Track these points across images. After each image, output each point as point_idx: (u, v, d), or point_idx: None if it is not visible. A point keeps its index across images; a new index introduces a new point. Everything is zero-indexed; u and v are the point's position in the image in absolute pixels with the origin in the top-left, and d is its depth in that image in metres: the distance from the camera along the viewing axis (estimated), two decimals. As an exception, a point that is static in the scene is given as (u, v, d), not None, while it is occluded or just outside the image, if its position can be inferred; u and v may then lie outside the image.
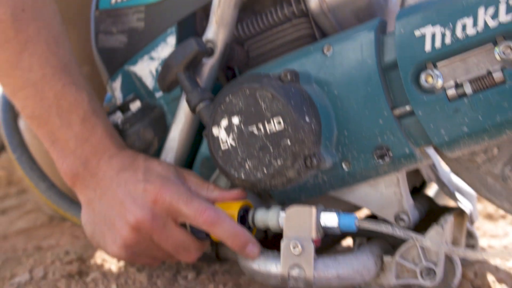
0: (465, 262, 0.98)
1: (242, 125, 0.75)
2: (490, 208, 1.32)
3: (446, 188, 0.88)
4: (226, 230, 0.77)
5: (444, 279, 0.76)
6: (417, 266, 0.75)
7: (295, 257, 0.72)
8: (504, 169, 0.76)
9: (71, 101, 0.83)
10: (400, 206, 0.78)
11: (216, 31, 0.84)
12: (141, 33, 0.93)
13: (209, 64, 0.85)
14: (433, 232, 0.74)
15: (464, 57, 0.68)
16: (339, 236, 0.91)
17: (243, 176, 0.76)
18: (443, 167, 0.96)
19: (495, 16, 0.65)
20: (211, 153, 0.79)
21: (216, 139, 0.78)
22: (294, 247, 0.72)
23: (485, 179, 0.79)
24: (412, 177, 0.94)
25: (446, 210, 0.87)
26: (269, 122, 0.73)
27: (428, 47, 0.69)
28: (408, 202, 0.78)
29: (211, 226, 0.77)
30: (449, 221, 0.78)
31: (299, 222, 0.72)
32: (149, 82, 0.94)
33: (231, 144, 0.76)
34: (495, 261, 1.02)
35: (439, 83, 0.69)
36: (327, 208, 0.74)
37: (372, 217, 0.87)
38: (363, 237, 0.85)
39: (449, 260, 0.76)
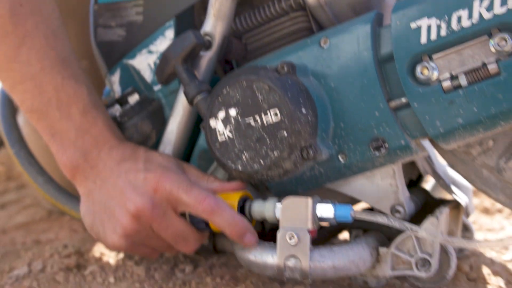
0: (461, 255, 0.99)
1: (239, 116, 0.76)
2: (487, 202, 1.33)
3: (442, 181, 0.89)
4: (226, 219, 0.77)
5: (439, 270, 0.77)
6: (412, 258, 0.76)
7: (291, 247, 0.72)
8: (499, 161, 0.77)
9: (71, 94, 0.83)
10: (396, 198, 0.78)
11: (214, 24, 0.84)
12: (140, 27, 0.94)
13: (207, 57, 0.85)
14: (428, 223, 0.75)
15: (459, 49, 0.68)
16: (335, 229, 0.92)
17: (240, 168, 0.77)
18: (439, 160, 0.97)
19: (490, 8, 0.65)
20: (209, 145, 0.79)
21: (213, 131, 0.78)
22: (290, 238, 0.72)
23: (480, 171, 0.79)
24: (408, 170, 0.95)
25: (442, 202, 0.88)
26: (266, 113, 0.74)
27: (423, 39, 0.69)
28: (404, 194, 0.79)
29: (211, 214, 0.77)
30: (444, 212, 0.79)
31: (295, 213, 0.73)
32: (148, 75, 0.94)
33: (228, 136, 0.77)
34: (490, 254, 1.03)
35: (435, 75, 0.69)
36: (323, 199, 0.74)
37: (369, 210, 0.88)
38: (360, 229, 0.86)
39: (444, 251, 0.77)
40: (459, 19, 0.67)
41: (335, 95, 0.76)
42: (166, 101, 0.93)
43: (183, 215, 0.81)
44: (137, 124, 0.90)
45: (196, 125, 0.91)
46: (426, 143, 0.82)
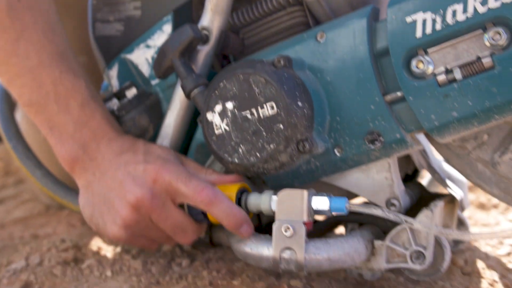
0: (456, 250, 1.00)
1: (235, 110, 0.76)
2: (483, 197, 1.33)
3: (437, 175, 0.90)
4: (223, 210, 0.78)
5: (434, 263, 0.77)
6: (407, 250, 0.77)
7: (286, 239, 0.73)
8: (494, 155, 0.78)
9: (69, 87, 0.84)
10: (391, 191, 0.79)
11: (211, 19, 0.85)
12: (138, 22, 0.94)
13: (204, 51, 0.86)
14: (423, 215, 0.75)
15: (454, 43, 0.69)
16: (331, 223, 0.92)
17: (236, 160, 0.77)
18: (435, 155, 0.97)
19: (484, 2, 0.66)
20: (205, 138, 0.80)
21: (210, 124, 0.79)
22: (285, 230, 0.73)
23: (475, 165, 0.80)
24: (404, 165, 0.95)
25: (437, 196, 0.88)
26: (262, 107, 0.74)
27: (419, 33, 0.70)
28: (399, 187, 0.80)
29: (209, 205, 0.78)
30: (439, 206, 0.79)
31: (291, 205, 0.73)
32: (145, 69, 0.95)
33: (225, 129, 0.77)
34: (485, 249, 1.03)
35: (430, 69, 0.70)
36: (319, 192, 0.75)
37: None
38: (355, 223, 0.86)
39: (438, 244, 0.77)
40: (454, 13, 0.68)
41: (331, 89, 0.77)
42: (163, 95, 0.94)
43: (181, 206, 0.82)
44: (135, 118, 0.91)
45: (193, 119, 0.91)
46: (422, 138, 0.82)
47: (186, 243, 0.85)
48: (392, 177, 0.79)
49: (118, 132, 0.87)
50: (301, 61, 0.79)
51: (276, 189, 0.82)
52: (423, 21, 0.69)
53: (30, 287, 0.90)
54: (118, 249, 1.07)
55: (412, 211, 0.80)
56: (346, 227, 0.88)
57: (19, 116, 1.28)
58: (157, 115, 0.93)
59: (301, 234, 0.72)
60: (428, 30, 0.69)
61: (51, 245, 1.07)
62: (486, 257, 0.98)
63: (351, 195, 0.85)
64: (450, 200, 0.90)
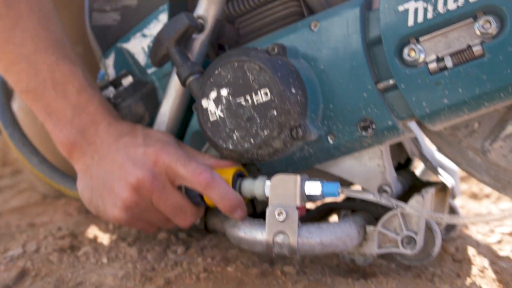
0: (447, 238, 1.01)
1: (230, 96, 0.77)
2: (475, 187, 1.35)
3: (429, 163, 0.91)
4: (220, 193, 0.79)
5: (424, 248, 0.79)
6: (398, 236, 0.78)
7: (279, 224, 0.74)
8: (484, 143, 0.79)
9: (66, 73, 0.85)
10: (383, 178, 0.80)
11: (206, 8, 0.86)
12: (134, 11, 0.95)
13: (199, 40, 0.87)
14: (414, 201, 0.77)
15: (445, 32, 0.70)
16: (325, 211, 0.93)
17: (231, 146, 0.78)
18: (427, 145, 0.99)
19: (475, -9, 0.67)
20: (200, 124, 0.81)
21: (205, 111, 0.80)
22: (279, 214, 0.74)
23: (466, 153, 0.81)
24: (397, 153, 0.96)
25: (428, 184, 0.90)
26: (256, 93, 0.75)
27: (411, 22, 0.71)
28: (391, 174, 0.81)
29: (207, 188, 0.79)
30: (430, 192, 0.81)
31: (284, 190, 0.74)
32: (141, 58, 0.96)
33: (219, 116, 0.79)
34: (476, 237, 1.05)
35: (421, 57, 0.71)
36: (312, 178, 0.76)
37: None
38: (348, 210, 0.88)
39: (429, 229, 0.79)
40: (445, 2, 0.69)
41: (324, 77, 0.78)
42: (159, 84, 0.95)
43: (180, 189, 0.83)
44: (131, 105, 0.91)
45: (189, 107, 0.92)
46: (414, 126, 0.83)
47: (185, 226, 0.86)
48: (384, 164, 0.80)
49: (116, 117, 0.88)
50: (295, 49, 0.80)
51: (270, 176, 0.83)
52: (415, 10, 0.71)
53: (27, 273, 0.91)
54: (114, 236, 1.08)
55: (403, 198, 0.81)
56: (339, 214, 0.89)
57: (15, 106, 1.28)
58: (153, 103, 0.94)
59: (294, 219, 0.73)
60: (420, 18, 0.70)
61: (47, 233, 1.08)
62: (477, 245, 1.00)
63: (344, 182, 0.86)
64: (442, 188, 0.91)
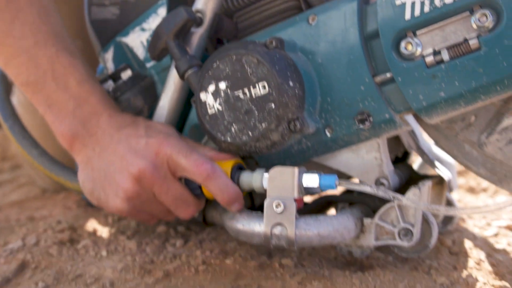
0: (444, 231, 1.02)
1: (228, 90, 0.78)
2: (472, 181, 1.36)
3: (426, 156, 0.91)
4: (220, 185, 0.79)
5: (421, 240, 0.79)
6: (395, 228, 0.78)
7: (277, 215, 0.74)
8: (481, 136, 0.79)
9: (66, 65, 0.85)
10: (380, 171, 0.81)
11: (205, 2, 0.86)
12: (133, 5, 0.95)
13: (198, 33, 0.87)
14: (411, 193, 0.77)
15: (442, 25, 0.71)
16: (323, 204, 0.94)
17: (229, 139, 0.79)
18: (424, 138, 0.99)
19: (471, -16, 0.67)
20: (199, 118, 0.81)
21: (203, 104, 0.80)
22: (276, 206, 0.74)
23: (463, 146, 0.82)
24: (394, 147, 0.97)
25: (426, 177, 0.90)
26: (254, 86, 0.76)
27: (408, 15, 0.71)
28: (388, 167, 0.81)
29: (207, 179, 0.79)
30: (427, 184, 0.81)
31: (281, 182, 0.75)
32: (140, 52, 0.96)
33: (218, 109, 0.79)
34: (473, 230, 1.06)
35: (418, 50, 0.72)
36: (309, 170, 0.77)
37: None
38: (346, 202, 0.88)
39: (425, 221, 0.79)
40: (442, -5, 0.69)
41: (322, 70, 0.79)
42: (158, 78, 0.95)
43: (180, 181, 0.83)
44: (130, 99, 0.92)
45: (187, 101, 0.93)
46: (411, 120, 0.84)
47: (186, 217, 0.86)
48: (382, 157, 0.80)
49: (117, 109, 0.89)
50: (293, 43, 0.80)
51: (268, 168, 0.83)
52: (412, 4, 0.71)
53: (27, 266, 0.92)
54: (113, 230, 1.08)
55: (401, 191, 0.82)
56: (336, 207, 0.90)
57: (14, 101, 1.29)
58: (152, 97, 0.95)
59: (291, 211, 0.74)
60: (417, 12, 0.71)
61: (47, 227, 1.09)
62: (473, 238, 1.01)
63: (341, 175, 0.87)
64: (439, 181, 0.91)
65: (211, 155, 0.83)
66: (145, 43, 0.95)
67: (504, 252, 0.96)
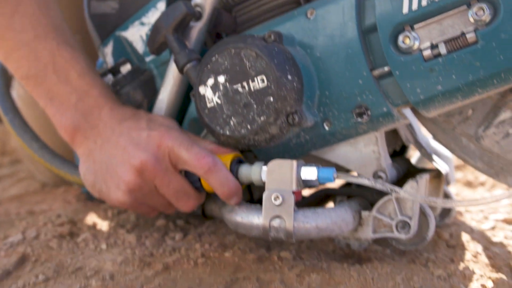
0: (442, 225, 1.02)
1: (227, 83, 0.78)
2: (470, 175, 1.36)
3: (423, 150, 0.92)
4: (220, 178, 0.79)
5: (419, 232, 0.80)
6: (393, 220, 0.79)
7: (276, 208, 0.75)
8: (478, 129, 0.80)
9: (67, 58, 0.85)
10: (378, 164, 0.81)
11: (204, -4, 0.87)
12: (132, -1, 0.96)
13: (197, 27, 0.87)
14: (408, 186, 0.78)
15: (440, 19, 0.71)
16: (321, 198, 0.95)
17: (228, 132, 0.79)
18: (422, 132, 1.00)
19: (469, -22, 0.68)
20: (198, 111, 0.82)
21: (202, 98, 0.81)
22: (275, 199, 0.75)
23: (460, 140, 0.82)
24: (392, 141, 0.98)
25: (423, 171, 0.91)
26: (253, 80, 0.76)
27: (405, 9, 0.72)
28: (386, 160, 0.82)
29: (208, 172, 0.79)
30: (424, 177, 0.82)
31: (280, 175, 0.75)
32: (140, 47, 0.96)
33: (216, 102, 0.79)
34: (470, 224, 1.06)
35: (416, 44, 0.72)
36: (308, 163, 0.77)
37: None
38: (344, 195, 0.89)
39: (423, 214, 0.80)
40: (439, -11, 0.70)
41: (320, 64, 0.79)
42: (157, 72, 0.96)
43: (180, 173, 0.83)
44: (129, 92, 0.92)
45: (186, 94, 0.93)
46: (409, 114, 0.84)
47: (187, 210, 0.86)
48: (379, 150, 0.81)
49: (118, 102, 0.89)
50: (291, 37, 0.81)
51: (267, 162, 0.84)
52: (410, -3, 0.72)
53: (27, 259, 0.93)
54: (113, 223, 1.09)
55: (398, 184, 0.82)
56: (334, 200, 0.91)
57: (14, 94, 1.29)
58: (151, 91, 0.95)
59: (290, 203, 0.74)
60: (414, 6, 0.71)
61: (47, 220, 1.10)
62: (471, 231, 1.01)
63: (340, 169, 0.87)
64: (436, 175, 0.92)
65: (211, 148, 0.83)
66: (144, 37, 0.95)
67: (501, 245, 0.96)
